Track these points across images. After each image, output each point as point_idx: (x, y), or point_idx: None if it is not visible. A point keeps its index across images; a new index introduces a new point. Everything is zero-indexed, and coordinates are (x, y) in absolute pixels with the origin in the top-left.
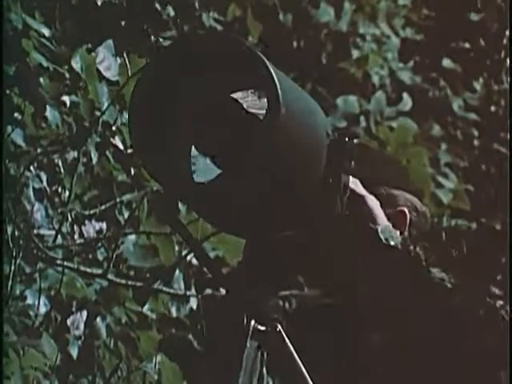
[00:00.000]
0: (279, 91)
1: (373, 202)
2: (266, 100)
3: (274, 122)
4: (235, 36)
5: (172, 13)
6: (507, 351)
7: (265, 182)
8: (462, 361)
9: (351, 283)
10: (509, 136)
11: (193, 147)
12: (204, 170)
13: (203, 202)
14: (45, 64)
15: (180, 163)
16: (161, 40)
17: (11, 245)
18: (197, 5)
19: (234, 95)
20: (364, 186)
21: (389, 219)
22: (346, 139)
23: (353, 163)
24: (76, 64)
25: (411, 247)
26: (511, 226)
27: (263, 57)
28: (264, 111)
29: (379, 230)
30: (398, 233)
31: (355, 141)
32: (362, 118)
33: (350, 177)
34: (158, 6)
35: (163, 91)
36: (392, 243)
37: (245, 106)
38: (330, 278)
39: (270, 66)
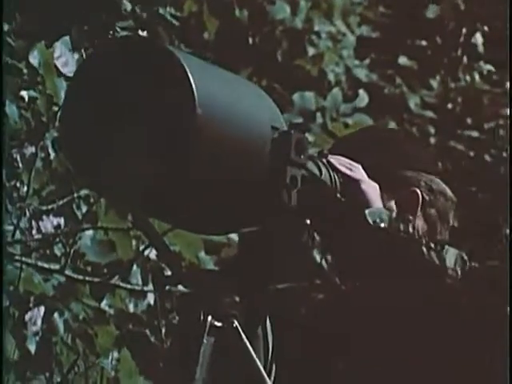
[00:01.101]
0: (195, 92)
1: (368, 186)
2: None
3: (190, 123)
4: (153, 38)
5: (129, 7)
6: (507, 350)
7: (200, 179)
8: (460, 343)
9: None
10: (509, 137)
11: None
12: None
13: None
14: (9, 61)
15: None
16: (117, 33)
17: None
18: None
19: (151, 97)
20: (371, 171)
21: (400, 200)
22: (292, 132)
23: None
24: (34, 59)
25: (403, 228)
26: (511, 226)
27: (181, 58)
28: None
29: (367, 212)
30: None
31: (305, 134)
32: (318, 114)
33: (350, 162)
34: (115, 6)
35: (91, 96)
36: (381, 225)
37: (163, 108)
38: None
39: (186, 68)
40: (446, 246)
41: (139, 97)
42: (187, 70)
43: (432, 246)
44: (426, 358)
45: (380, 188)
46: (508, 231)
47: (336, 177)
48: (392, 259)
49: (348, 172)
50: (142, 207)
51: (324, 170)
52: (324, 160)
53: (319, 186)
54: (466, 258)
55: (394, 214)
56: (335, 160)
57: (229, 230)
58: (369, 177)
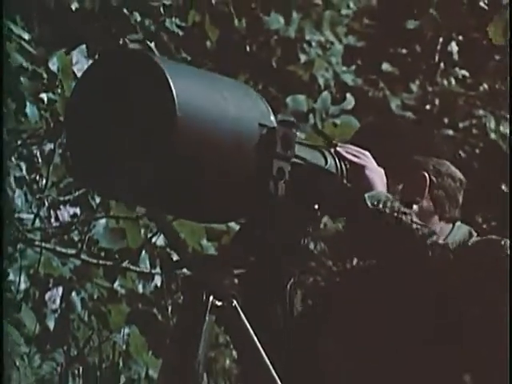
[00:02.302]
0: (175, 97)
1: (372, 172)
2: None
3: (171, 125)
4: (140, 50)
5: (139, 18)
6: (507, 347)
7: (188, 174)
8: (458, 322)
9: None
10: (509, 134)
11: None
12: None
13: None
14: (25, 65)
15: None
16: (128, 42)
17: None
18: (162, 10)
19: (139, 103)
20: (382, 157)
21: (408, 184)
22: (277, 128)
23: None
24: (53, 65)
25: (401, 212)
26: (511, 226)
27: (163, 67)
28: None
29: (366, 196)
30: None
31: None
32: (310, 115)
33: (358, 149)
34: (125, 11)
35: (88, 105)
36: (379, 208)
37: (149, 112)
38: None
39: (168, 75)
40: (458, 223)
41: (129, 102)
42: (168, 77)
43: (426, 230)
44: (427, 337)
45: (389, 173)
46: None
47: (343, 165)
48: (387, 241)
49: (354, 159)
50: (144, 203)
51: (330, 159)
52: (332, 150)
53: (324, 174)
54: (474, 233)
55: (397, 198)
56: (343, 149)
57: (225, 219)
58: (378, 163)
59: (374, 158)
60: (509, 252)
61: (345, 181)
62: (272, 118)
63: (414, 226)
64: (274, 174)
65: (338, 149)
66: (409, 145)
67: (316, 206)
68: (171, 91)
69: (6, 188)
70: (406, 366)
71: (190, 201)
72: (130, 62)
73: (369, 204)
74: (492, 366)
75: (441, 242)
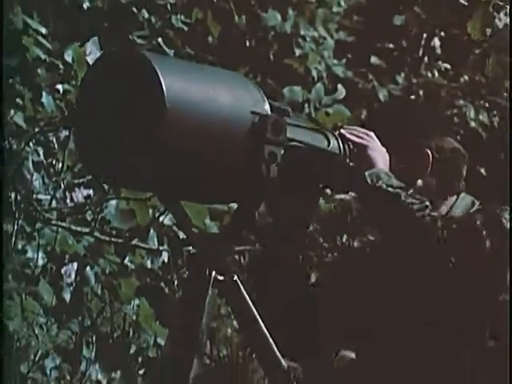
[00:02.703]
0: (164, 90)
1: (374, 151)
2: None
3: (161, 116)
4: (133, 47)
5: (146, 15)
6: (507, 343)
7: (183, 161)
8: (455, 299)
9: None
10: (509, 133)
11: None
12: None
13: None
14: (42, 57)
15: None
16: (136, 37)
17: (14, 208)
18: (169, 7)
19: (134, 96)
20: (386, 138)
21: (412, 162)
22: (268, 115)
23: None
24: (68, 57)
25: (398, 187)
26: (511, 226)
27: (154, 62)
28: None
29: (366, 174)
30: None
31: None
32: (305, 105)
33: (362, 130)
34: (134, 9)
35: (92, 100)
36: (378, 185)
37: (142, 105)
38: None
39: (158, 70)
40: (462, 194)
41: (126, 97)
42: (158, 72)
43: (420, 204)
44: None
45: (394, 152)
46: None
47: (346, 145)
48: (384, 215)
49: (356, 140)
50: (147, 188)
51: (333, 141)
52: (336, 132)
53: (326, 155)
54: (477, 202)
55: (402, 175)
56: (347, 131)
57: (222, 200)
58: (383, 143)
59: (379, 138)
60: (508, 225)
61: (347, 160)
62: (266, 106)
63: (410, 200)
64: (266, 157)
65: (341, 131)
66: (413, 125)
67: (320, 185)
68: (161, 85)
69: (24, 172)
70: (406, 336)
71: (188, 184)
72: (127, 61)
73: (368, 181)
74: (491, 336)
75: (435, 214)
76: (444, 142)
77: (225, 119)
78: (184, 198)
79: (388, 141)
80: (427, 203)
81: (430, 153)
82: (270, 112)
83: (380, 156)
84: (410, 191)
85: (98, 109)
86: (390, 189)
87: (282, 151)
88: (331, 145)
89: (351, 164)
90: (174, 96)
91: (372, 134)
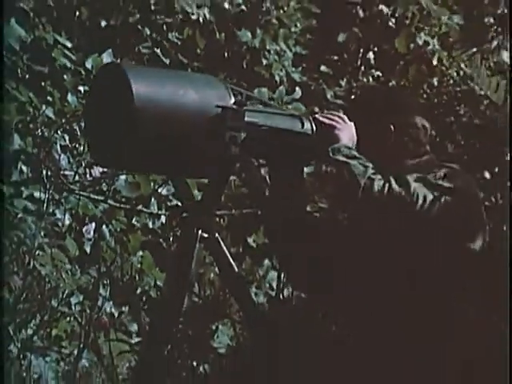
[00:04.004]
0: (134, 92)
1: (340, 130)
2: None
3: (130, 113)
4: (114, 62)
5: (148, 32)
6: (507, 346)
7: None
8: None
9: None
10: (509, 136)
11: None
12: None
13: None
14: (68, 65)
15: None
16: (141, 49)
17: (46, 181)
18: (164, 27)
19: (114, 99)
20: (359, 119)
21: (376, 135)
22: (229, 106)
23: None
24: (88, 65)
25: (351, 157)
26: (511, 226)
27: (127, 71)
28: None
29: (329, 148)
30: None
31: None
32: (271, 102)
33: (335, 113)
34: (139, 27)
35: (93, 105)
36: (339, 158)
37: (118, 104)
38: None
39: (129, 77)
40: (425, 157)
41: (111, 99)
42: (129, 78)
43: (364, 167)
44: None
45: (363, 129)
46: None
47: (318, 127)
48: (338, 183)
49: (326, 121)
50: (138, 170)
51: (307, 124)
52: (310, 117)
53: (299, 136)
54: (437, 164)
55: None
56: (321, 115)
57: (197, 176)
58: (356, 123)
59: (353, 119)
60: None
61: (317, 138)
62: (231, 100)
63: (359, 166)
64: (227, 140)
65: (316, 115)
66: (381, 106)
67: (295, 160)
68: (131, 89)
69: (54, 153)
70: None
71: (165, 163)
72: (111, 72)
73: (330, 154)
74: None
75: (373, 177)
76: (408, 118)
77: (191, 112)
78: (163, 174)
79: (360, 121)
80: (368, 166)
81: (392, 127)
82: (232, 105)
83: (346, 134)
84: (365, 161)
85: (94, 110)
86: (345, 159)
87: (243, 134)
88: (305, 127)
89: (319, 141)
90: (143, 97)
91: (344, 116)
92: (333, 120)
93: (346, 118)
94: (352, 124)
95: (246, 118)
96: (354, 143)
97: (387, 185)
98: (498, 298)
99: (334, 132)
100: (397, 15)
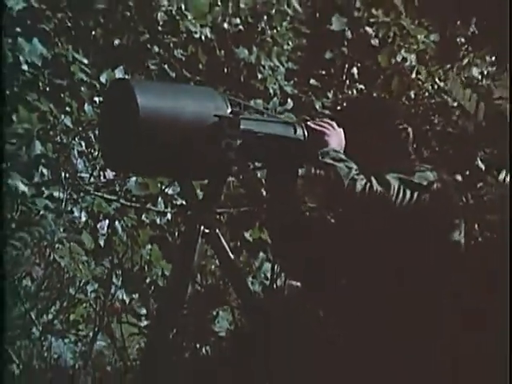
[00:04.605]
0: (139, 104)
1: (330, 136)
2: None
3: (136, 123)
4: (123, 78)
5: (157, 49)
6: (507, 348)
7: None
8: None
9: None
10: (509, 135)
11: None
12: None
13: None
14: (84, 79)
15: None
16: (150, 64)
17: (64, 182)
18: (171, 45)
19: (123, 109)
20: (348, 126)
21: (365, 140)
22: (226, 116)
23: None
24: (103, 79)
25: (338, 159)
26: (511, 225)
27: (134, 85)
28: None
29: (319, 152)
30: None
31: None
32: None
33: (326, 121)
34: (148, 45)
35: (105, 116)
36: (327, 161)
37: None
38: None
39: (135, 91)
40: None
41: (120, 111)
42: (136, 92)
43: (348, 169)
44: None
45: (352, 135)
46: None
47: (310, 133)
48: (326, 184)
49: (317, 127)
50: (149, 173)
51: (299, 130)
52: (302, 124)
53: (292, 141)
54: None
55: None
56: (312, 122)
57: (198, 178)
58: (345, 129)
59: (343, 126)
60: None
61: (308, 143)
62: (228, 110)
63: (344, 169)
64: (223, 147)
65: (307, 123)
66: (367, 112)
67: (290, 164)
68: (136, 102)
69: (71, 158)
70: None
71: (172, 168)
72: (120, 87)
73: (320, 157)
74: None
75: (357, 177)
76: (393, 122)
77: (191, 122)
78: (167, 177)
79: (346, 126)
80: (352, 167)
81: (377, 132)
82: (229, 114)
83: (335, 139)
84: (350, 162)
85: (106, 120)
86: (332, 161)
87: (240, 141)
88: (297, 133)
89: (310, 146)
90: (147, 109)
91: (333, 123)
92: (323, 127)
93: (335, 124)
94: (341, 130)
95: (241, 126)
96: (342, 147)
97: (368, 184)
98: (490, 290)
99: (324, 138)
100: (380, 35)
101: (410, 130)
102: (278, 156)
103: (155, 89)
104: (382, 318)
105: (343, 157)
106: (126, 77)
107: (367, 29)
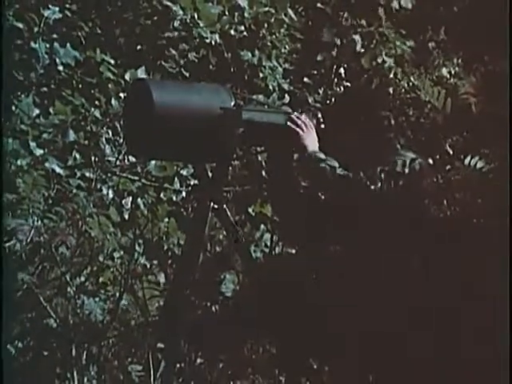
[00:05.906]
0: (154, 99)
1: (305, 139)
2: None
3: (152, 116)
4: (141, 78)
5: (173, 52)
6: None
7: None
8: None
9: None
10: (509, 134)
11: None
12: None
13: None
14: (111, 77)
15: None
16: (167, 66)
17: (94, 165)
18: (186, 49)
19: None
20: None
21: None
22: (229, 109)
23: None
24: (127, 77)
25: (325, 162)
26: (511, 225)
27: (149, 82)
28: None
29: (301, 159)
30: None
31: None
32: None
33: (305, 118)
34: (166, 49)
35: (127, 109)
36: (311, 165)
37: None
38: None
39: (151, 87)
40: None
41: (139, 105)
42: (151, 90)
43: (330, 166)
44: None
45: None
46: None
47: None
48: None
49: (296, 128)
50: (165, 158)
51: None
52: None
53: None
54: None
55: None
56: (294, 116)
57: (205, 161)
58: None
59: (329, 122)
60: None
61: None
62: (232, 103)
63: (327, 167)
64: (228, 134)
65: (291, 116)
66: (351, 106)
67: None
68: (152, 97)
69: (100, 144)
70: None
71: (184, 153)
72: (139, 85)
73: (304, 163)
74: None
75: (341, 173)
76: (376, 111)
77: (200, 114)
78: (180, 161)
79: (332, 122)
80: (335, 166)
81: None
82: (232, 106)
83: (310, 140)
84: (331, 160)
85: (128, 113)
86: (315, 164)
87: (241, 130)
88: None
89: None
90: (162, 104)
91: (307, 121)
92: (299, 127)
93: (307, 121)
94: (312, 126)
95: (243, 116)
96: (316, 144)
97: (350, 175)
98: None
99: (300, 141)
100: (365, 43)
101: (390, 115)
102: (276, 141)
103: (168, 86)
104: (370, 280)
105: (323, 156)
106: (147, 76)
107: (354, 36)
